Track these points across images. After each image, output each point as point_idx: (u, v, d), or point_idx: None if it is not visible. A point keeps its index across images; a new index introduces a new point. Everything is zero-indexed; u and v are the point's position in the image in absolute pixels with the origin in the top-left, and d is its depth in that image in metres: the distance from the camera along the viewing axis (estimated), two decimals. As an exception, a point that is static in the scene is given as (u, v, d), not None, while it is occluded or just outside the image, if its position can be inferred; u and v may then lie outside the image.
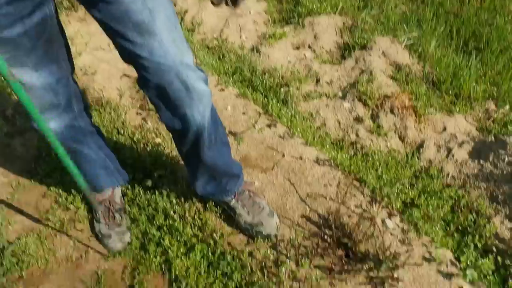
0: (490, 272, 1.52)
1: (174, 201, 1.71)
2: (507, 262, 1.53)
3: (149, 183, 1.75)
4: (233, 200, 1.63)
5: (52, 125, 1.35)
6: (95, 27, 2.61)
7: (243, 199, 1.63)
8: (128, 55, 1.14)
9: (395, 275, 1.46)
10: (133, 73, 2.31)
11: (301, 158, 1.90)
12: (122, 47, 1.12)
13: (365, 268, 1.49)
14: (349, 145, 2.08)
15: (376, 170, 1.88)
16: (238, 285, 1.47)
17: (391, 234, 1.61)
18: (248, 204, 1.63)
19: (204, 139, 1.32)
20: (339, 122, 2.17)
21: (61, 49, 1.26)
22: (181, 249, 1.57)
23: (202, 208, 1.70)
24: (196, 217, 1.67)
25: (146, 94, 1.24)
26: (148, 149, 1.97)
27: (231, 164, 1.55)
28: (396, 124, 2.11)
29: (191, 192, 1.72)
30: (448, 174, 1.90)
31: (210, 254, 1.56)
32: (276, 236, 1.61)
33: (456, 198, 1.78)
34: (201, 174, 1.49)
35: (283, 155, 1.93)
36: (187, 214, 1.66)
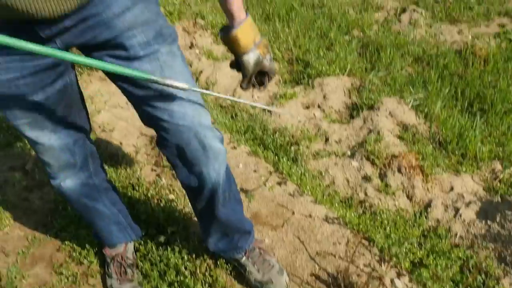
0: None
1: (186, 257, 1.75)
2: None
3: (162, 239, 1.80)
4: (244, 258, 1.66)
5: (68, 183, 1.44)
6: (115, 86, 2.77)
7: (253, 257, 1.67)
8: (149, 118, 1.22)
9: None
10: (149, 131, 2.44)
11: (310, 216, 1.95)
12: (143, 111, 1.21)
13: None
14: (357, 203, 2.12)
15: (385, 229, 1.91)
16: None
17: None
18: (258, 262, 1.67)
19: (219, 196, 1.38)
20: (347, 181, 2.24)
21: (79, 112, 1.36)
22: None
23: (213, 265, 1.73)
24: (207, 273, 1.70)
25: (164, 153, 1.31)
26: (162, 205, 2.03)
27: (243, 221, 1.61)
28: (404, 183, 2.17)
29: (202, 248, 1.77)
30: (456, 234, 1.92)
31: None
32: None
33: (465, 258, 1.79)
34: (214, 230, 1.54)
35: (293, 213, 1.98)
36: (198, 271, 1.69)
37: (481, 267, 1.76)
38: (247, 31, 1.12)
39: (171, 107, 1.14)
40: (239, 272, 1.70)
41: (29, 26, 0.96)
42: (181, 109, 1.15)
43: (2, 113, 1.18)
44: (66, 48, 1.04)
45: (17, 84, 1.09)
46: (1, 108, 1.16)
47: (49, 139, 1.27)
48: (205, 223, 1.54)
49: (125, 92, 1.20)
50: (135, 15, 1.05)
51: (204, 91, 1.14)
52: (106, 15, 1.02)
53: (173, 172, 2.19)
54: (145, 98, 1.16)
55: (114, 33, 1.05)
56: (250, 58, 1.16)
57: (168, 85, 1.04)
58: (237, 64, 1.19)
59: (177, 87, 1.05)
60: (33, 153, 2.44)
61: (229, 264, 1.72)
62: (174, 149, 1.24)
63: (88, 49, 1.09)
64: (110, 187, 1.66)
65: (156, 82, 1.03)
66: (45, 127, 1.23)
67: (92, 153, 1.49)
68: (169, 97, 1.13)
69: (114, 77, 1.17)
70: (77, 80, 1.29)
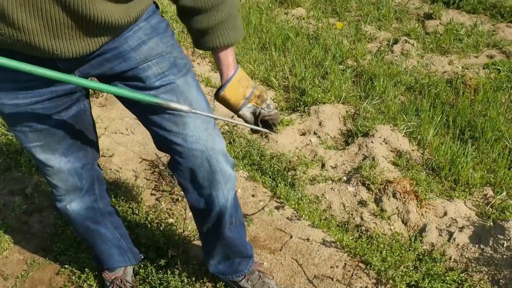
0: None
1: (186, 280, 1.78)
2: None
3: (162, 262, 1.83)
4: (243, 280, 1.70)
5: (73, 206, 1.48)
6: (115, 112, 2.85)
7: (252, 279, 1.71)
8: (163, 142, 1.26)
9: None
10: (149, 156, 2.50)
11: (308, 239, 2.00)
12: (158, 135, 1.25)
13: None
14: (354, 227, 2.18)
15: (381, 252, 1.96)
16: None
17: None
18: (258, 285, 1.71)
19: (226, 220, 1.42)
20: (344, 205, 2.30)
21: (90, 138, 1.41)
22: None
23: (214, 286, 1.77)
24: None
25: (176, 176, 1.35)
26: (161, 228, 2.07)
27: (245, 245, 1.64)
28: (399, 208, 2.23)
29: (202, 272, 1.81)
30: (450, 258, 1.98)
31: None
32: None
33: (459, 281, 1.84)
34: (216, 252, 1.58)
35: (291, 237, 2.03)
36: None
37: None
38: (234, 90, 1.18)
39: (185, 132, 1.18)
40: None
41: (51, 60, 1.02)
42: (195, 134, 1.19)
43: (16, 134, 1.23)
44: (84, 78, 1.10)
45: (34, 108, 1.15)
46: (16, 130, 1.21)
47: (59, 162, 1.31)
48: (208, 245, 1.58)
49: (140, 117, 1.27)
50: (150, 48, 1.12)
51: (206, 114, 1.17)
52: (123, 49, 1.09)
53: (172, 196, 2.25)
54: (160, 123, 1.21)
55: (130, 65, 1.12)
56: (245, 113, 1.23)
57: (171, 108, 1.10)
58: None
59: (180, 110, 1.10)
60: (33, 177, 2.48)
61: (228, 287, 1.75)
62: (187, 172, 1.27)
63: (105, 79, 1.16)
64: (114, 211, 1.70)
65: (161, 106, 1.08)
66: (56, 150, 1.29)
67: (98, 177, 1.54)
68: (184, 123, 1.18)
69: (130, 103, 1.23)
70: (90, 107, 1.35)
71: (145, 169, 2.51)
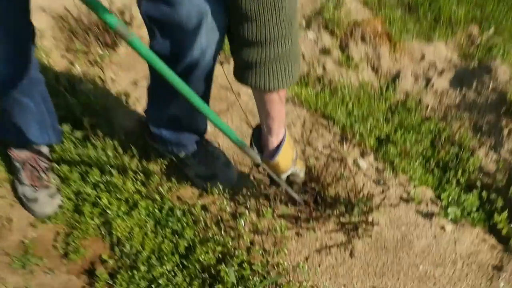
0: (474, 209, 1.54)
1: (111, 154, 1.62)
2: (492, 196, 1.55)
3: (78, 134, 1.66)
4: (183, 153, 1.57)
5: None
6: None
7: (196, 153, 1.58)
8: None
9: (369, 219, 1.47)
10: (57, 10, 2.17)
11: None
12: None
13: (335, 213, 1.48)
14: (315, 80, 2.05)
15: (346, 106, 1.87)
16: (191, 243, 1.43)
17: (364, 174, 1.61)
18: (200, 154, 1.59)
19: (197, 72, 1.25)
20: (303, 55, 2.12)
21: None
22: (122, 208, 1.51)
23: (145, 160, 1.63)
24: (138, 170, 1.59)
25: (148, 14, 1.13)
26: (77, 96, 1.86)
27: (202, 118, 1.50)
28: (368, 54, 2.09)
29: (131, 142, 1.67)
30: (427, 106, 1.92)
31: (156, 211, 1.51)
32: (233, 188, 1.58)
33: (437, 131, 1.80)
34: (168, 114, 1.42)
35: (239, 95, 1.89)
36: (127, 168, 1.58)
37: (454, 139, 1.77)
38: (287, 154, 1.22)
39: None
40: (177, 167, 1.62)
41: None
42: None
43: None
44: None
45: None
46: None
47: None
48: (164, 96, 1.40)
49: None
50: None
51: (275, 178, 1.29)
52: None
53: (89, 57, 2.01)
54: None
55: None
56: (285, 175, 1.28)
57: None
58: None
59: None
60: None
61: (165, 158, 1.61)
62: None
63: None
64: (42, 80, 1.47)
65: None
66: None
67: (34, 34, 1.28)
68: None
69: None
70: None
71: (52, 26, 2.19)
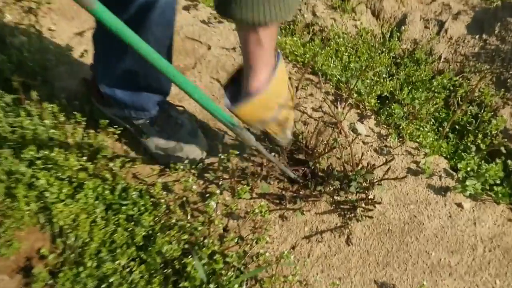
0: (498, 181, 1.50)
1: (50, 122, 1.56)
2: (520, 165, 1.51)
3: (8, 99, 1.59)
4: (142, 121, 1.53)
5: None
6: None
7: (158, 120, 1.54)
8: None
9: (370, 196, 1.42)
10: None
11: (234, 49, 1.81)
12: None
13: (328, 190, 1.43)
14: (303, 28, 2.00)
15: (341, 58, 1.81)
16: (151, 231, 1.38)
17: (364, 142, 1.57)
18: (161, 120, 1.54)
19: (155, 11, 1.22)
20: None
21: None
22: (65, 190, 1.44)
23: (93, 129, 1.56)
24: (84, 142, 1.53)
25: None
26: (7, 52, 1.78)
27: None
28: (368, -6, 2.04)
29: (75, 107, 1.61)
30: (440, 57, 1.88)
31: (107, 193, 1.45)
32: (202, 162, 1.53)
33: (451, 87, 1.76)
34: (121, 68, 1.36)
35: (209, 48, 1.82)
36: (70, 140, 1.51)
37: (473, 97, 1.71)
38: (251, 112, 1.17)
39: None
40: (132, 137, 1.57)
41: None
42: None
43: None
44: None
45: None
46: None
47: None
48: (114, 51, 1.35)
49: None
50: None
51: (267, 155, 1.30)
52: None
53: (22, 4, 1.93)
54: None
55: None
56: (271, 119, 1.23)
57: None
58: None
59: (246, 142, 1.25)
60: None
61: (116, 126, 1.54)
62: None
63: None
64: None
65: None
66: None
67: None
68: None
69: None
70: None
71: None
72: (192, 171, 1.51)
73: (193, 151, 1.52)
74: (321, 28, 1.94)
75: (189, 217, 1.38)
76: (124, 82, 1.41)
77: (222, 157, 1.45)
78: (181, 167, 1.46)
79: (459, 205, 1.47)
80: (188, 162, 1.49)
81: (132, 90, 1.44)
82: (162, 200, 1.39)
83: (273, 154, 1.37)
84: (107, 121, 1.53)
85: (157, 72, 1.38)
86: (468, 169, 1.51)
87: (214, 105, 1.11)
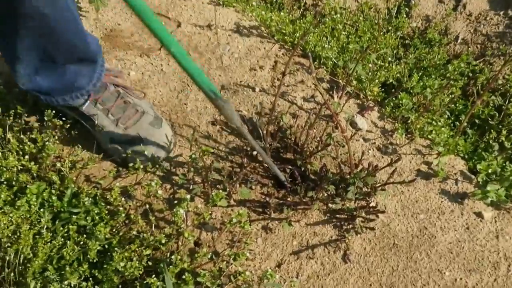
0: None
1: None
2: (552, 166, 1.54)
3: None
4: (87, 103, 1.52)
5: None
6: None
7: (105, 100, 1.54)
8: None
9: (372, 203, 1.44)
10: None
11: (209, 27, 1.82)
12: None
13: (321, 196, 1.44)
14: (292, 1, 2.02)
15: (338, 38, 1.82)
16: (107, 245, 1.38)
17: (364, 139, 1.58)
18: (116, 108, 1.55)
19: None
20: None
21: None
22: (3, 195, 1.44)
23: (36, 123, 1.57)
24: (25, 138, 1.53)
25: None
26: None
27: (83, 37, 1.43)
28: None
29: (14, 98, 1.62)
30: (456, 38, 1.90)
31: (54, 198, 1.44)
32: (168, 158, 1.55)
33: (470, 74, 1.77)
34: (27, 50, 1.35)
35: (179, 25, 1.84)
36: (7, 135, 1.52)
37: (495, 85, 1.73)
38: None
39: None
40: (83, 130, 1.56)
41: None
42: None
43: None
44: None
45: None
46: None
47: None
48: (10, 36, 1.33)
49: None
50: None
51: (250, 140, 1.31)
52: None
53: None
54: None
55: None
56: None
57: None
58: None
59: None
60: None
61: (63, 119, 1.54)
62: None
63: None
64: None
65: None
66: None
67: None
68: None
69: None
70: None
71: None
72: (157, 172, 1.51)
73: (156, 145, 1.52)
74: (314, 2, 1.98)
75: (153, 229, 1.39)
76: (39, 64, 1.41)
77: (193, 155, 1.45)
78: (142, 166, 1.46)
79: (479, 214, 1.49)
80: (151, 159, 1.49)
81: (52, 70, 1.43)
82: (121, 208, 1.39)
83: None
84: (54, 111, 1.53)
85: (68, 35, 1.39)
86: (490, 171, 1.52)
87: (195, 66, 1.10)
